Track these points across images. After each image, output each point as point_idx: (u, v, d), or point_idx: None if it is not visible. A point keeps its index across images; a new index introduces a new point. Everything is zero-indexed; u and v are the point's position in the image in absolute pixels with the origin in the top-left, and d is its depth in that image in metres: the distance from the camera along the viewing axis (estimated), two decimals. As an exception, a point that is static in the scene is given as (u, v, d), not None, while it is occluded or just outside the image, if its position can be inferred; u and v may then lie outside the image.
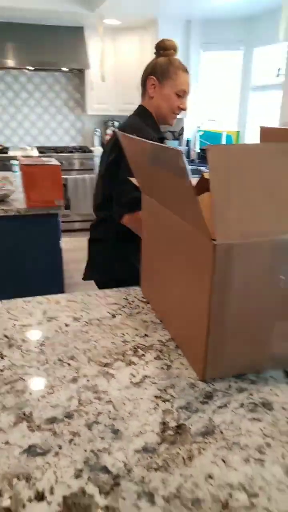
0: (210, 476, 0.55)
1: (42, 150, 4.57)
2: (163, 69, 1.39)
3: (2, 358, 0.80)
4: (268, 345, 0.74)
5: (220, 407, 0.68)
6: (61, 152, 4.47)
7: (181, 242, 0.77)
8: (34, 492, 0.52)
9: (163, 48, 1.41)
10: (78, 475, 0.55)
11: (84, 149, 4.69)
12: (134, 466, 0.56)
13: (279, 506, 0.50)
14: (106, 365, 0.78)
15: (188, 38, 3.79)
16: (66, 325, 0.92)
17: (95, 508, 0.50)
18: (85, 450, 0.58)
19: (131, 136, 0.89)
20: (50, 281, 2.21)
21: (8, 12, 3.73)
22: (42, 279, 2.19)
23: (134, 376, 0.75)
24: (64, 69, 4.29)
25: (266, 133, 1.00)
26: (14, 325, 0.92)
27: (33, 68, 4.28)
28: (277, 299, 0.70)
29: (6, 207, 2.08)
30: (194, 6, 3.41)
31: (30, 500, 0.51)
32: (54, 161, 1.95)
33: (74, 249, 3.87)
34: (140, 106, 1.48)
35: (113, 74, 4.50)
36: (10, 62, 4.05)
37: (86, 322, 0.94)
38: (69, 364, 0.78)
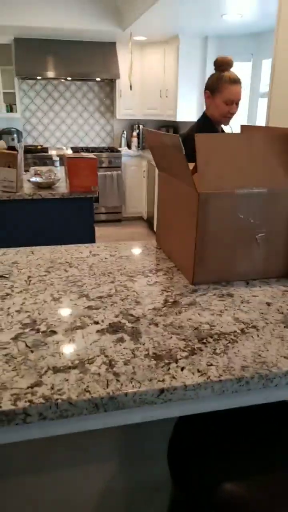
0: (189, 319, 0.93)
1: (76, 150, 5.01)
2: (213, 83, 1.82)
3: (66, 271, 1.20)
4: (234, 263, 1.11)
5: (200, 295, 1.05)
6: (92, 151, 4.89)
7: (181, 197, 1.15)
8: (93, 321, 0.91)
9: (217, 65, 1.80)
10: (116, 316, 0.94)
11: (112, 149, 5.10)
12: (148, 314, 0.95)
13: (225, 330, 0.88)
14: (131, 276, 1.17)
15: (205, 52, 4.13)
16: (105, 258, 1.32)
17: (126, 327, 0.89)
18: (120, 308, 0.97)
19: (151, 130, 1.28)
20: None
21: (50, 31, 4.17)
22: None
23: (149, 282, 1.13)
24: (97, 79, 4.70)
25: (244, 129, 1.36)
26: (71, 257, 1.32)
27: (70, 79, 4.71)
28: (236, 230, 1.07)
29: (54, 192, 2.51)
30: (210, 24, 3.74)
31: (91, 323, 0.90)
32: (91, 156, 2.35)
33: (101, 236, 4.29)
34: (203, 113, 1.93)
35: (139, 83, 4.89)
36: (51, 74, 4.50)
37: (119, 257, 1.33)
38: (108, 275, 1.17)
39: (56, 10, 3.88)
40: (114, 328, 0.88)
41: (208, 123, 1.86)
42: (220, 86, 1.78)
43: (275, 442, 0.86)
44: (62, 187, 2.64)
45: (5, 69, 4.55)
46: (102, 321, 0.91)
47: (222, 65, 1.78)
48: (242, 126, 1.35)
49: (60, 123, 5.17)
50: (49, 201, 2.50)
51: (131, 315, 0.94)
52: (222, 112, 1.81)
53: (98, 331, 0.87)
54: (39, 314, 0.94)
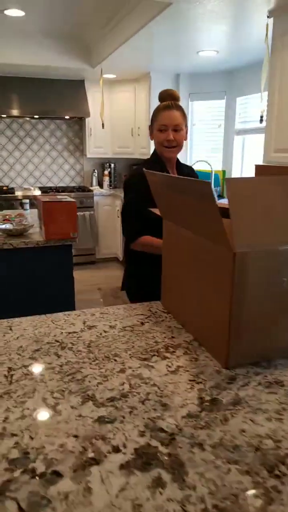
0: (243, 431, 0.68)
1: (45, 190, 4.79)
2: (152, 115, 1.67)
3: (59, 357, 0.93)
4: (276, 336, 0.89)
5: (242, 385, 0.82)
6: (62, 191, 4.69)
7: (201, 255, 0.94)
8: (111, 447, 0.65)
9: (160, 98, 1.65)
10: (142, 434, 0.68)
11: (83, 189, 4.92)
12: (184, 427, 0.69)
13: (299, 447, 0.64)
14: (145, 359, 0.92)
15: (178, 89, 4.12)
16: (105, 331, 1.06)
17: (160, 454, 0.63)
18: (143, 418, 0.72)
19: (155, 172, 1.08)
20: (64, 305, 2.33)
21: (17, 68, 4.04)
22: (57, 303, 2.32)
23: (169, 366, 0.89)
24: (66, 117, 4.58)
25: (260, 169, 1.19)
26: (62, 332, 1.06)
27: (37, 117, 4.56)
28: (280, 297, 0.86)
29: (26, 240, 2.24)
30: (183, 62, 3.75)
31: (109, 452, 0.64)
32: (69, 198, 2.13)
33: (76, 281, 4.00)
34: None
35: (109, 121, 4.81)
36: (16, 112, 4.33)
37: (121, 329, 1.08)
38: (115, 360, 0.92)
39: (24, 46, 3.76)
40: (143, 458, 0.62)
41: (154, 158, 1.70)
42: (154, 115, 1.64)
43: None
44: (36, 234, 2.38)
45: None
46: (124, 445, 0.65)
47: (164, 97, 1.64)
48: (257, 166, 1.18)
49: (27, 163, 4.96)
50: (22, 250, 2.22)
51: (162, 429, 0.69)
52: (159, 141, 1.62)
53: (122, 466, 0.61)
54: (31, 439, 0.67)
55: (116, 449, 0.64)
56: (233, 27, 2.73)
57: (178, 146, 1.62)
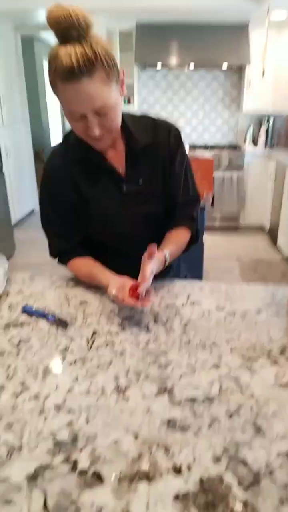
0: None
1: (193, 147, 4.64)
2: (52, 86, 0.82)
3: (148, 330, 0.82)
4: None
5: None
6: (211, 148, 4.47)
7: None
8: (171, 465, 0.51)
9: (54, 32, 0.77)
10: (217, 460, 0.52)
11: (235, 147, 4.60)
12: (278, 469, 0.51)
13: None
14: (249, 359, 0.74)
15: None
16: (209, 311, 0.90)
17: (232, 499, 0.47)
18: (225, 438, 0.56)
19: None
20: (189, 271, 2.23)
21: (175, 13, 3.85)
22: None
23: (280, 376, 0.69)
24: (224, 66, 4.25)
25: None
26: (160, 303, 0.94)
27: (193, 67, 4.35)
28: None
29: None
30: None
31: (168, 472, 0.50)
32: (207, 156, 1.94)
33: (211, 246, 3.84)
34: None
35: (273, 71, 4.27)
36: (173, 61, 4.20)
37: (229, 313, 0.90)
38: (211, 350, 0.76)
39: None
40: (209, 497, 0.47)
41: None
42: (53, 86, 0.81)
43: None
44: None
45: (125, 58, 4.40)
46: (189, 467, 0.51)
47: (58, 32, 0.75)
48: None
49: (179, 117, 4.85)
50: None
51: (245, 463, 0.52)
52: (77, 132, 0.87)
53: (177, 498, 0.47)
54: (87, 422, 0.58)
55: (178, 470, 0.50)
56: None
57: (110, 132, 0.87)
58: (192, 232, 1.08)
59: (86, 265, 1.01)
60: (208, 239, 4.07)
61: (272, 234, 4.18)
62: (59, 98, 0.81)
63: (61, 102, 0.81)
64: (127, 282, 0.86)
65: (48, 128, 6.84)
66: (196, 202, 1.10)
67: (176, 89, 4.81)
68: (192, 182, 1.07)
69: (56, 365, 0.72)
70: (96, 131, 0.83)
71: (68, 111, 0.81)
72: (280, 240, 3.84)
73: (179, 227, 1.05)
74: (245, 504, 0.46)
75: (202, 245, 2.24)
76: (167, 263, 0.95)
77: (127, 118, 0.96)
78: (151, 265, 0.85)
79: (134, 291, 0.83)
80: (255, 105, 4.53)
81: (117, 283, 0.87)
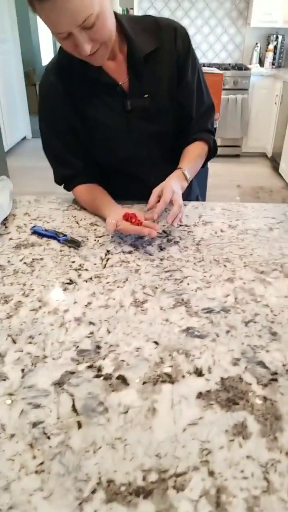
0: None
1: (196, 66, 4.33)
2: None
3: (162, 249, 0.82)
4: None
5: None
6: (215, 68, 4.18)
7: None
8: (193, 367, 0.54)
9: None
10: (235, 363, 0.54)
11: (240, 67, 4.30)
12: (294, 369, 0.53)
13: None
14: (262, 272, 0.74)
15: None
16: (221, 230, 0.90)
17: (253, 395, 0.49)
18: (242, 343, 0.57)
19: None
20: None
21: None
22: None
23: (294, 288, 0.70)
24: None
25: None
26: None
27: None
28: None
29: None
30: None
31: (189, 373, 0.53)
32: (216, 70, 1.81)
33: (212, 174, 3.73)
34: None
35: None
36: None
37: (242, 231, 0.89)
38: (225, 265, 0.76)
39: None
40: (230, 393, 0.50)
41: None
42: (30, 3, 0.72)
43: None
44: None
45: None
46: (209, 369, 0.53)
47: None
48: None
49: (180, 33, 4.48)
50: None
51: (263, 364, 0.54)
52: (68, 51, 0.78)
53: (200, 395, 0.49)
54: (108, 332, 0.60)
55: (199, 372, 0.53)
56: None
57: (104, 44, 0.78)
58: (209, 145, 1.03)
59: (90, 193, 0.97)
60: (210, 165, 3.97)
61: (274, 161, 4.07)
62: (41, 18, 0.71)
63: (44, 22, 0.72)
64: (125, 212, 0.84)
65: (38, 47, 6.35)
66: (212, 110, 1.02)
67: (180, 1, 4.39)
68: (206, 89, 1.00)
69: (72, 282, 0.72)
70: (87, 48, 0.74)
71: (52, 31, 0.73)
72: (282, 166, 3.75)
73: (194, 142, 1.00)
74: (265, 399, 0.49)
75: (207, 169, 2.17)
76: (188, 182, 0.91)
77: (126, 22, 0.86)
78: (171, 184, 0.82)
79: (135, 219, 0.82)
80: (264, 19, 4.16)
81: (117, 215, 0.84)
